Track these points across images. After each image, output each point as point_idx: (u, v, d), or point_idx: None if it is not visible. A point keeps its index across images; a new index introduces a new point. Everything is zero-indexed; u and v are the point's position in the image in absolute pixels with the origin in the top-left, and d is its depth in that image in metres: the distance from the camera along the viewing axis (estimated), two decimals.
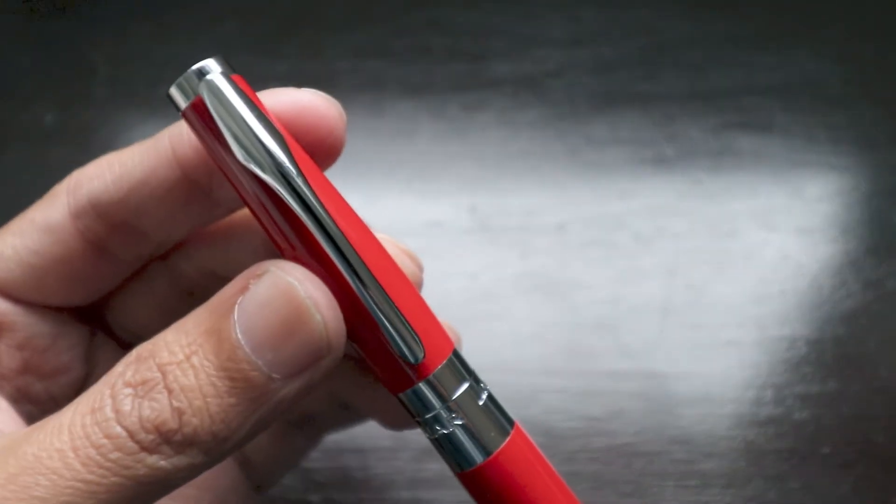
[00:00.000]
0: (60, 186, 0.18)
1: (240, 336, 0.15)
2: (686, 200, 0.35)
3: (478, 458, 0.17)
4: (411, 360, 0.16)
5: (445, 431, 0.17)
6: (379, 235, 0.17)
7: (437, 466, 0.28)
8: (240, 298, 0.16)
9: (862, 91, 0.38)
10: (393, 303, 0.16)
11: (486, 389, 0.17)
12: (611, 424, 0.29)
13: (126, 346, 0.21)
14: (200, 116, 0.15)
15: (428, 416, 0.17)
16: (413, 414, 0.17)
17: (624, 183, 0.35)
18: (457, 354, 0.17)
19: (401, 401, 0.17)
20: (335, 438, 0.28)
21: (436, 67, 0.39)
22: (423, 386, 0.16)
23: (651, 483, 0.28)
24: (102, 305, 0.21)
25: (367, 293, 0.16)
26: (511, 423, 0.17)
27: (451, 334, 0.18)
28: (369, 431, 0.28)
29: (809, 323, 0.31)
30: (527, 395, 0.29)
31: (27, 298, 0.19)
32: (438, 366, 0.16)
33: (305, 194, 0.15)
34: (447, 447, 0.17)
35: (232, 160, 0.15)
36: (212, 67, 0.15)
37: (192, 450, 0.15)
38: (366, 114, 0.37)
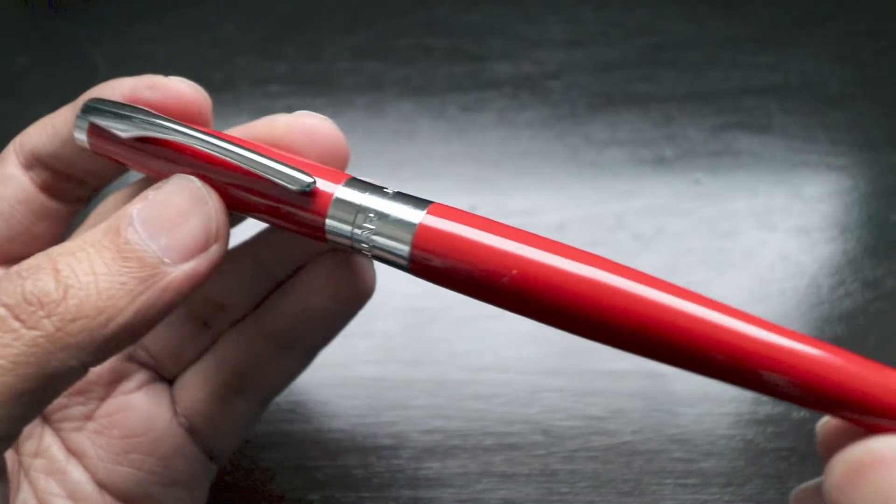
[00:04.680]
0: (8, 147, 0.21)
1: (137, 225, 0.17)
2: (685, 200, 0.35)
3: (405, 247, 0.17)
4: (306, 182, 0.17)
5: (368, 244, 0.17)
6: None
7: (438, 465, 0.28)
8: (146, 193, 0.18)
9: (861, 91, 0.38)
10: (260, 153, 0.18)
11: (390, 190, 0.18)
12: (610, 423, 0.29)
13: None
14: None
15: (349, 238, 0.18)
16: (345, 246, 0.18)
17: (624, 183, 0.35)
18: (352, 179, 0.18)
19: (330, 242, 0.18)
20: (335, 437, 0.28)
21: (436, 67, 0.39)
22: (331, 213, 0.18)
23: (650, 482, 0.28)
24: None
25: (237, 157, 0.18)
26: (426, 203, 0.18)
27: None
28: (369, 430, 0.29)
29: (808, 322, 0.31)
30: (526, 394, 0.29)
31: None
32: (335, 192, 0.18)
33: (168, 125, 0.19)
34: (383, 255, 0.18)
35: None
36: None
37: (76, 325, 0.16)
38: (366, 114, 0.37)
